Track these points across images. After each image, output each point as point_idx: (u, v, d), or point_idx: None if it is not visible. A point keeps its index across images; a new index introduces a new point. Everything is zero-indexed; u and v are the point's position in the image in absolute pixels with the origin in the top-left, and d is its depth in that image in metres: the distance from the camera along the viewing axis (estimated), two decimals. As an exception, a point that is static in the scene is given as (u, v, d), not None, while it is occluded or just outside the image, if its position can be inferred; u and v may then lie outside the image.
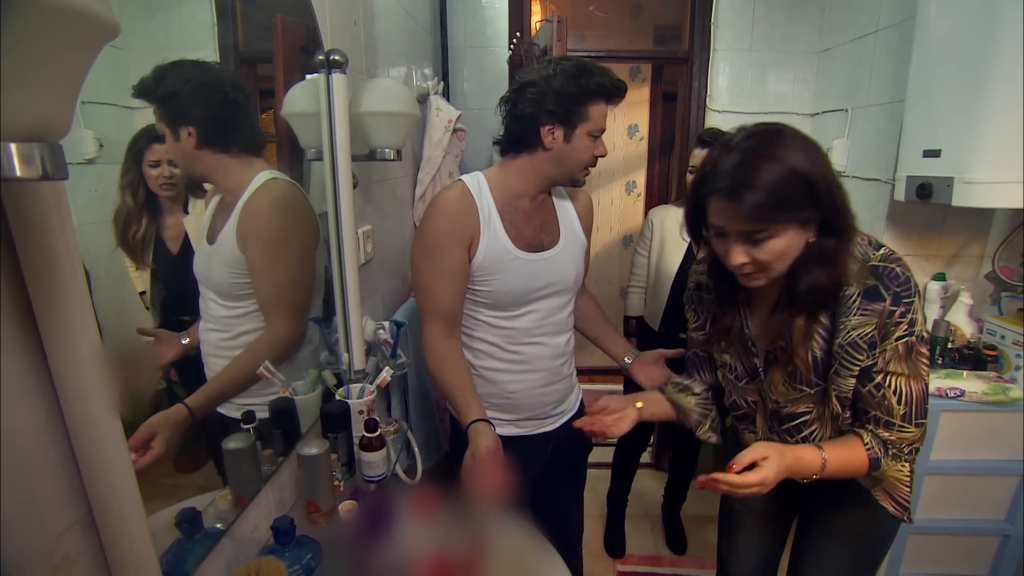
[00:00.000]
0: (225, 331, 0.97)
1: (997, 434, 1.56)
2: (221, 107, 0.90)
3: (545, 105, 1.10)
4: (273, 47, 1.12)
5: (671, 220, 1.93)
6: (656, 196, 3.68)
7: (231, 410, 0.96)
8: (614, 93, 1.12)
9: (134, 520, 0.60)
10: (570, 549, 1.52)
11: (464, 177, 1.20)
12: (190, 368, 0.91)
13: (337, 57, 1.06)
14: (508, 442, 1.25)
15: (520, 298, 1.19)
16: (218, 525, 0.87)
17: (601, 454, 2.24)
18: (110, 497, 0.59)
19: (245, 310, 0.97)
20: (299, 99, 1.12)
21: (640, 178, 3.89)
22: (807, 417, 0.99)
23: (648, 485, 2.49)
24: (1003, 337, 1.59)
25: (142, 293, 0.82)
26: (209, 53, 0.90)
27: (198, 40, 0.89)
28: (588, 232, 1.34)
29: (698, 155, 1.81)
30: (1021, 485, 1.59)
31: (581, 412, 1.40)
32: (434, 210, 1.15)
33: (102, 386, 0.56)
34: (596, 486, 2.14)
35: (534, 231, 1.20)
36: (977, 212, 1.74)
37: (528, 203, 1.20)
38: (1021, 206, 1.47)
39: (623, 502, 2.21)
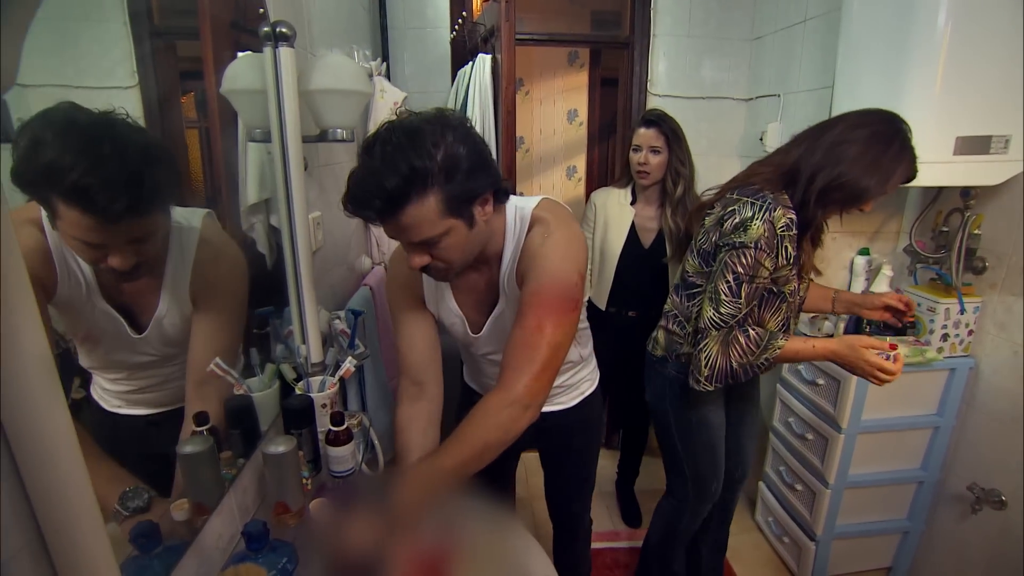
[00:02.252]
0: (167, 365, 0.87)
1: (916, 392, 1.71)
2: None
3: None
4: (199, 22, 1.02)
5: (613, 201, 1.96)
6: (596, 180, 3.73)
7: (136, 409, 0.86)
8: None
9: (95, 540, 0.54)
10: (569, 533, 1.53)
11: None
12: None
13: (284, 30, 0.99)
14: None
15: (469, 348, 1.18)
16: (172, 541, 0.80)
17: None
18: (65, 515, 0.52)
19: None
20: (242, 75, 1.04)
21: (580, 163, 3.93)
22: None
23: (601, 464, 2.52)
24: (919, 305, 1.74)
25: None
26: (117, 26, 0.78)
27: (102, 8, 0.77)
28: (532, 275, 0.94)
29: (642, 134, 1.85)
30: (933, 435, 1.76)
31: (575, 408, 1.30)
32: (388, 269, 1.11)
33: (52, 385, 0.49)
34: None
35: (481, 296, 1.07)
36: (896, 190, 1.88)
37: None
38: (938, 185, 1.62)
39: (578, 482, 2.25)
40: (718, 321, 1.20)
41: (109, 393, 0.84)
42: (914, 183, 1.53)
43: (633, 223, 1.93)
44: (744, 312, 1.20)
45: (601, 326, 2.04)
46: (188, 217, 0.84)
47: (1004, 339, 1.60)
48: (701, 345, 1.22)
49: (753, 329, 1.22)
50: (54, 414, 0.50)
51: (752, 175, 1.26)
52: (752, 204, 1.17)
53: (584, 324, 1.28)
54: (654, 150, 1.82)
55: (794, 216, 1.17)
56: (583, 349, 1.29)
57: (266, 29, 0.98)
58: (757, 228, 1.14)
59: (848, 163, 1.15)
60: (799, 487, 1.88)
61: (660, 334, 1.49)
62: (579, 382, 1.30)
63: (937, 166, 1.46)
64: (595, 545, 2.09)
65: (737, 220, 1.17)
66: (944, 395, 1.73)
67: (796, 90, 2.02)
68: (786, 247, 1.18)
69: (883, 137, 1.16)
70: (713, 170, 2.41)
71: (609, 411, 2.67)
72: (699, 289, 1.32)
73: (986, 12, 1.35)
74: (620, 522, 2.24)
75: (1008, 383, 1.59)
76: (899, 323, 1.45)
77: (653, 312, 2.00)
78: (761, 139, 2.17)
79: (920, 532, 1.87)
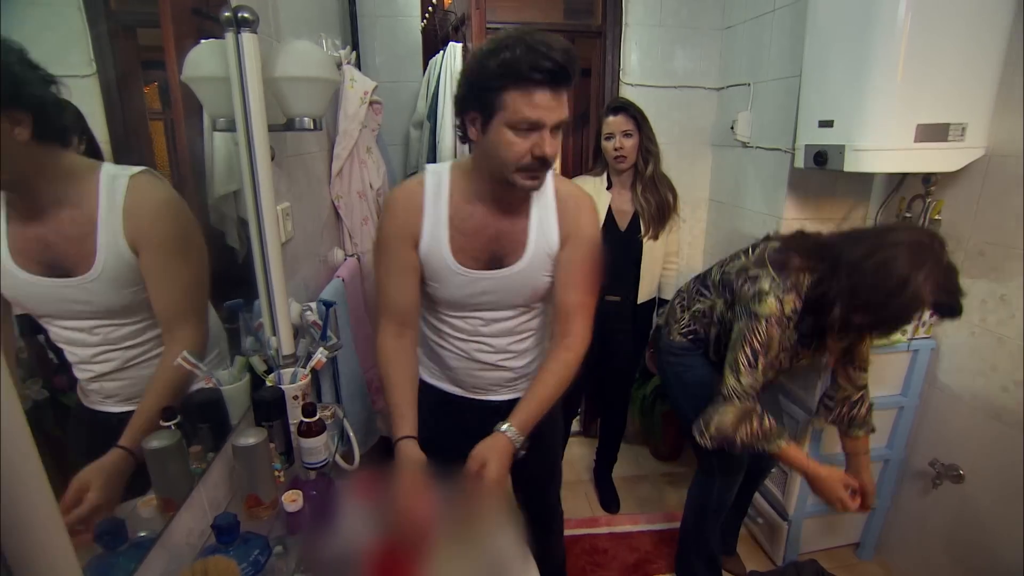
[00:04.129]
0: (132, 345, 0.87)
1: (882, 373, 1.76)
2: (45, 85, 0.70)
3: (466, 88, 0.98)
4: (159, 8, 0.99)
5: (589, 188, 1.99)
6: (572, 169, 3.75)
7: (110, 405, 0.85)
8: (527, 75, 0.88)
9: (54, 534, 0.52)
10: (541, 525, 1.50)
11: (429, 168, 1.11)
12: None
13: (246, 15, 0.97)
14: (453, 400, 1.28)
15: (458, 305, 1.16)
16: (142, 534, 0.79)
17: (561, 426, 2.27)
18: (18, 509, 0.50)
19: (149, 319, 0.88)
20: (205, 61, 1.01)
21: (555, 154, 3.94)
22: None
23: (579, 452, 2.58)
24: (884, 289, 1.79)
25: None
26: (71, 11, 0.76)
27: None
28: (579, 241, 1.10)
29: (612, 122, 1.89)
30: (898, 415, 1.82)
31: None
32: (386, 205, 1.12)
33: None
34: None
35: (486, 243, 1.08)
36: (861, 177, 1.92)
37: (484, 208, 1.07)
38: (900, 171, 1.67)
39: (557, 470, 2.27)
40: (741, 392, 1.28)
41: (84, 382, 0.83)
42: (883, 169, 1.59)
43: (610, 207, 1.96)
44: (763, 382, 1.29)
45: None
46: (119, 171, 0.82)
47: (963, 320, 1.65)
48: (721, 408, 1.30)
49: (769, 420, 1.31)
50: (4, 407, 0.48)
51: (789, 247, 1.30)
52: (772, 280, 1.23)
53: None
54: (626, 134, 1.87)
55: (799, 307, 1.23)
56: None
57: (227, 14, 0.96)
58: (771, 304, 1.22)
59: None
60: (773, 468, 1.93)
61: (668, 308, 1.67)
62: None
63: (899, 153, 1.50)
64: (573, 532, 2.12)
65: (755, 290, 1.25)
66: (908, 376, 1.78)
67: (766, 79, 2.04)
68: (791, 330, 1.26)
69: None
70: (686, 158, 2.44)
71: (588, 398, 2.69)
72: (706, 298, 1.50)
73: (944, 4, 1.38)
74: (599, 508, 2.27)
75: (966, 362, 1.66)
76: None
77: (631, 296, 2.03)
78: (732, 128, 2.19)
79: (886, 508, 1.93)
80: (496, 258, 1.09)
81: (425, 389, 1.32)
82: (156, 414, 0.84)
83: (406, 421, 1.07)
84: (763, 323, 1.22)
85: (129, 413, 0.84)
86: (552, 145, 0.95)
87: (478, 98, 0.95)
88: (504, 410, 1.23)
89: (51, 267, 0.75)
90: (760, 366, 1.25)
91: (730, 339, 1.35)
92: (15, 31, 0.64)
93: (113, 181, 0.80)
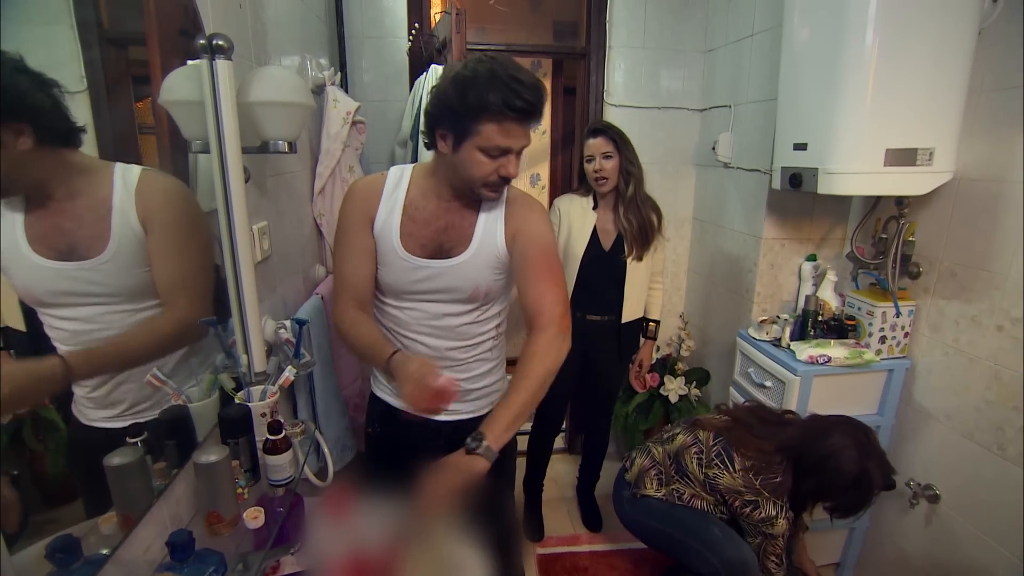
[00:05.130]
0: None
1: (858, 392, 1.78)
2: (42, 92, 0.73)
3: (439, 108, 1.06)
4: (145, 28, 1.03)
5: (576, 207, 2.01)
6: (560, 188, 3.78)
7: (117, 421, 0.87)
8: (504, 112, 0.98)
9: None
10: (497, 545, 1.51)
11: (394, 167, 1.22)
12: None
13: (221, 42, 0.99)
14: (397, 414, 1.28)
15: (399, 292, 1.19)
16: (104, 551, 0.80)
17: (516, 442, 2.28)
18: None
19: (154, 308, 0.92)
20: (180, 86, 1.04)
21: (544, 171, 3.98)
22: None
23: (562, 469, 2.58)
24: (859, 308, 1.81)
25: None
26: (63, 30, 0.79)
27: (48, 11, 0.78)
28: (528, 236, 1.15)
29: (592, 144, 1.91)
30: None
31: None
32: (349, 191, 1.21)
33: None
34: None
35: (434, 233, 1.16)
36: (838, 199, 1.95)
37: (437, 203, 1.16)
38: (871, 194, 1.69)
39: (539, 487, 2.27)
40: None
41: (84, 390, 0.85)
42: (854, 192, 1.61)
43: (595, 227, 1.98)
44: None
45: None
46: (131, 167, 0.90)
47: (937, 341, 1.67)
48: None
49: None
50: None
51: (769, 465, 1.48)
52: (775, 504, 1.45)
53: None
54: (606, 156, 1.89)
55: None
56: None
57: (202, 41, 0.98)
58: (781, 524, 1.46)
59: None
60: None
61: (635, 467, 1.71)
62: (495, 383, 1.33)
63: (870, 176, 1.52)
64: (554, 549, 2.12)
65: (764, 516, 1.46)
66: (884, 395, 1.80)
67: (745, 101, 2.08)
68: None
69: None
70: (671, 178, 2.48)
71: (571, 415, 2.70)
72: (689, 486, 1.59)
73: (910, 31, 1.41)
74: (580, 526, 2.27)
75: (941, 382, 1.67)
76: None
77: (613, 316, 2.04)
78: (714, 148, 2.23)
79: (865, 528, 1.93)
80: (443, 250, 1.16)
81: (373, 400, 1.36)
82: (125, 356, 0.89)
83: (388, 346, 1.08)
84: (780, 539, 1.47)
85: (132, 425, 0.85)
86: (516, 166, 1.08)
87: (452, 121, 1.04)
88: (445, 431, 1.25)
89: (66, 253, 0.79)
90: (783, 560, 1.51)
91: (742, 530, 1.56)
92: (7, 47, 0.67)
93: (126, 172, 0.87)
